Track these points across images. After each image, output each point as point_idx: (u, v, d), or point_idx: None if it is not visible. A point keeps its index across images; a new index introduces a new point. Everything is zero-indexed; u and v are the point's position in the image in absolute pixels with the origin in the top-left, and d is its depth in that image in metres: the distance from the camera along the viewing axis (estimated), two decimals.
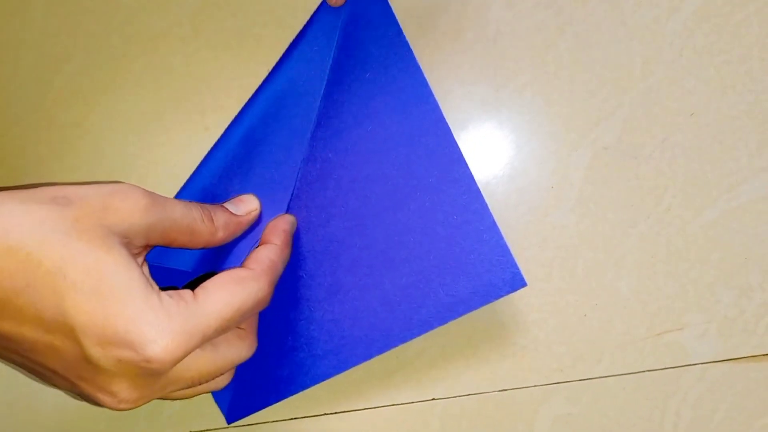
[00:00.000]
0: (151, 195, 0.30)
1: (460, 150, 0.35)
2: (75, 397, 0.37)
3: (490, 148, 0.37)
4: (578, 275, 0.36)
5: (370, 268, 0.35)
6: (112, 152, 0.37)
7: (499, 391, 0.37)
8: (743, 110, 0.36)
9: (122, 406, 0.29)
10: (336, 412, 0.37)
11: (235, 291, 0.30)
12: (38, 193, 0.28)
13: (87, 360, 0.27)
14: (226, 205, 0.34)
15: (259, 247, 0.33)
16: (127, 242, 0.28)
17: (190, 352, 0.28)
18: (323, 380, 0.36)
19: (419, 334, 0.35)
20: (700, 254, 0.36)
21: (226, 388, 0.37)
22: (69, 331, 0.27)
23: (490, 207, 0.36)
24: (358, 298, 0.35)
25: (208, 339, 0.29)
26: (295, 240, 0.36)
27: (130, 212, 0.29)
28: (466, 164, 0.35)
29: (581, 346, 0.36)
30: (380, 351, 0.35)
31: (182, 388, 0.30)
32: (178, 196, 0.37)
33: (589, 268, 0.36)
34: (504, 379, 0.37)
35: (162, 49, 0.37)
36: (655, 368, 0.36)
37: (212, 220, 0.32)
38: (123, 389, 0.28)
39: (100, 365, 0.27)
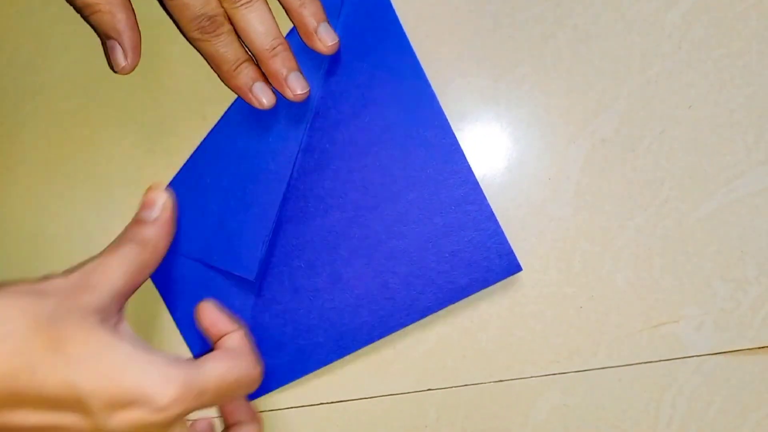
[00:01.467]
0: (88, 269, 0.32)
1: (457, 141, 0.35)
2: None
3: (487, 140, 0.37)
4: (575, 267, 0.36)
5: (369, 257, 0.35)
6: (110, 141, 0.37)
7: (496, 381, 0.37)
8: (741, 103, 0.36)
9: None
10: (332, 402, 0.37)
11: (233, 364, 0.32)
12: (15, 287, 0.29)
13: (95, 427, 0.28)
14: (142, 215, 0.35)
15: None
16: (103, 317, 0.30)
17: (190, 409, 0.29)
18: (323, 366, 0.36)
19: (418, 319, 0.35)
20: (697, 247, 0.36)
21: None
22: (76, 403, 0.27)
23: (487, 197, 0.36)
24: (357, 286, 0.36)
25: (204, 400, 0.30)
26: (294, 230, 0.36)
27: (96, 289, 0.31)
28: (463, 155, 0.35)
29: (578, 338, 0.36)
30: (380, 336, 0.36)
31: None
32: (173, 182, 0.37)
33: (586, 260, 0.36)
34: (500, 370, 0.37)
35: (161, 38, 0.37)
36: (651, 360, 0.36)
37: (145, 241, 0.34)
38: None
39: (107, 427, 0.28)
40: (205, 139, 0.37)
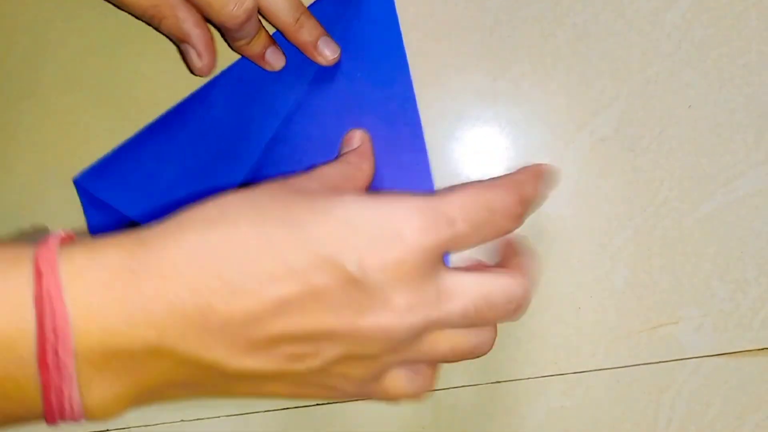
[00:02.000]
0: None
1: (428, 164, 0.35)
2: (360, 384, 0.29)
3: (486, 139, 0.36)
4: (574, 267, 0.36)
5: None
6: (107, 138, 0.37)
7: (493, 383, 0.37)
8: (741, 103, 0.36)
9: (406, 319, 0.25)
10: (328, 403, 0.37)
11: (480, 188, 0.27)
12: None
13: (352, 284, 0.24)
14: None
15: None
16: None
17: (444, 239, 0.25)
18: None
19: None
20: (696, 248, 0.36)
21: None
22: (331, 269, 0.24)
23: None
24: None
25: (458, 230, 0.26)
26: None
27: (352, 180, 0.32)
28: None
29: (576, 339, 0.36)
30: None
31: (420, 358, 0.27)
32: (138, 137, 0.36)
33: (585, 260, 0.36)
34: (498, 371, 0.37)
35: (158, 35, 0.37)
36: (649, 362, 0.36)
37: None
38: (401, 295, 0.25)
39: (367, 282, 0.24)
40: (177, 104, 0.37)
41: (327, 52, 0.35)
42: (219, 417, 0.37)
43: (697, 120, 0.36)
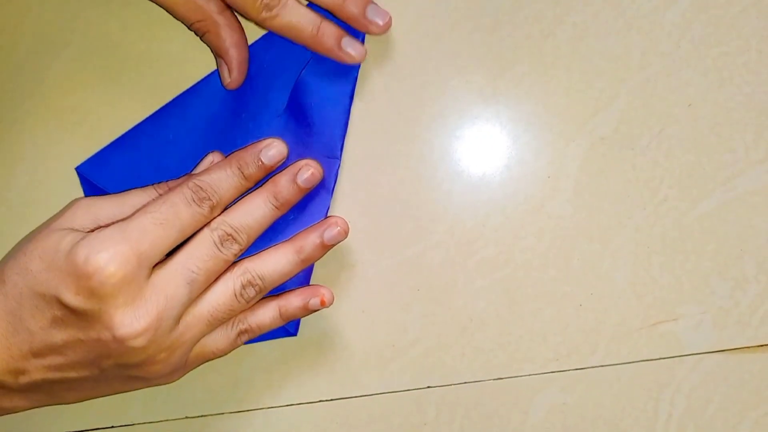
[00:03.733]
0: (98, 198, 0.34)
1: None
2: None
3: (487, 138, 0.37)
4: (574, 265, 0.36)
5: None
6: (109, 138, 0.37)
7: (495, 379, 0.37)
8: (740, 102, 0.36)
9: (138, 339, 0.31)
10: (331, 399, 0.37)
11: (158, 198, 0.33)
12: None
13: (78, 313, 0.30)
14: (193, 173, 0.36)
15: None
16: (72, 229, 0.32)
17: (138, 249, 0.30)
18: None
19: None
20: (696, 245, 0.36)
21: None
22: (53, 301, 0.31)
23: (487, 196, 0.36)
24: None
25: (149, 234, 0.31)
26: None
27: (72, 213, 0.33)
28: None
29: (577, 336, 0.36)
30: None
31: (201, 332, 0.33)
32: (136, 128, 0.37)
33: (585, 258, 0.36)
34: (500, 367, 0.37)
35: (160, 36, 0.37)
36: (649, 358, 0.36)
37: (169, 188, 0.35)
38: (122, 313, 0.30)
39: (86, 309, 0.30)
40: (179, 95, 0.37)
41: (378, 18, 0.35)
42: (223, 413, 0.38)
43: (696, 119, 0.36)
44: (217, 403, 0.38)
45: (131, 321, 0.30)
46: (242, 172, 0.34)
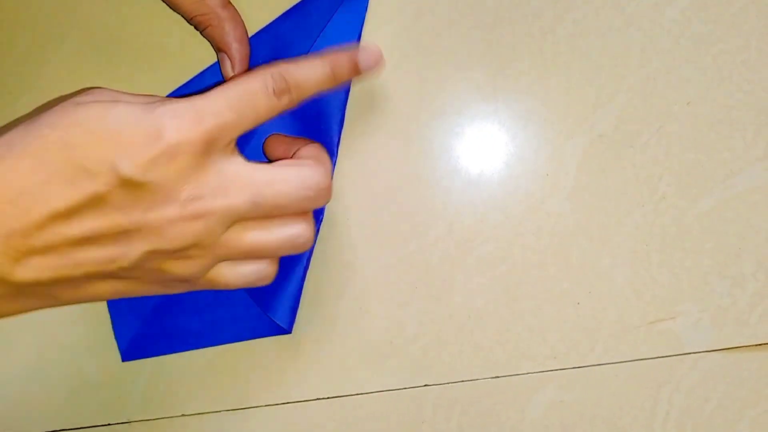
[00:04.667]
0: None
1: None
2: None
3: (485, 135, 0.37)
4: (573, 263, 0.36)
5: None
6: None
7: (493, 377, 0.37)
8: (740, 100, 0.36)
9: (187, 210, 0.27)
10: (328, 397, 0.37)
11: (239, 79, 0.29)
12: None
13: (132, 185, 0.26)
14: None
15: None
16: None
17: (210, 131, 0.27)
18: (229, 342, 0.37)
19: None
20: (695, 244, 0.36)
21: (128, 327, 0.37)
22: (100, 173, 0.26)
23: (486, 194, 0.36)
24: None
25: (225, 119, 0.28)
26: None
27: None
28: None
29: (575, 334, 0.36)
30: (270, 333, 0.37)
31: (234, 253, 0.29)
32: None
33: (584, 256, 0.36)
34: (497, 365, 0.37)
35: (158, 31, 0.37)
36: (648, 357, 0.36)
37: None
38: (180, 188, 0.27)
39: (143, 180, 0.26)
40: (176, 89, 0.37)
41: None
42: (220, 411, 0.38)
43: (696, 116, 0.36)
44: (214, 401, 0.37)
45: (193, 198, 0.27)
46: (334, 73, 0.31)
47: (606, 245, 0.36)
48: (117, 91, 0.30)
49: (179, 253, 0.28)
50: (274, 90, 0.29)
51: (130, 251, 0.27)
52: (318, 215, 0.36)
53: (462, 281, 0.37)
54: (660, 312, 0.36)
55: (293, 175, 0.29)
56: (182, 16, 0.35)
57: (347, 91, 0.36)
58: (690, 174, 0.36)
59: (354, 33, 0.36)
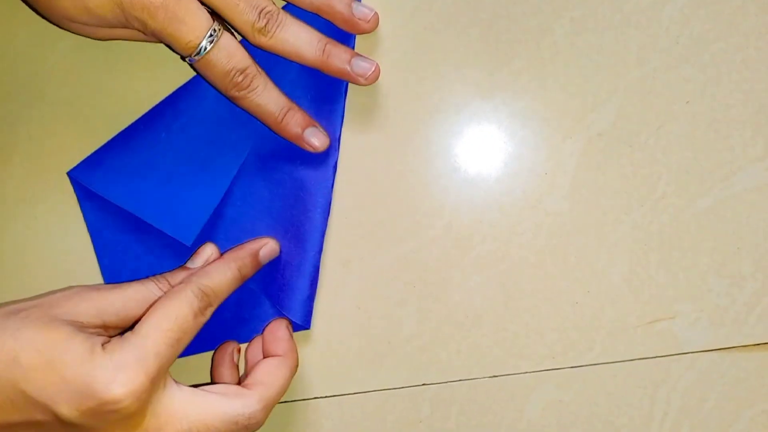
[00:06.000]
0: (97, 286, 0.33)
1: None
2: None
3: (483, 133, 0.36)
4: (571, 262, 0.36)
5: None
6: (105, 131, 0.37)
7: (491, 377, 0.37)
8: (739, 99, 0.36)
9: None
10: (326, 396, 0.37)
11: (166, 304, 0.31)
12: None
13: (67, 424, 0.29)
14: (187, 263, 0.35)
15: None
16: (79, 325, 0.31)
17: (153, 376, 0.29)
18: (245, 342, 0.37)
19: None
20: (693, 243, 0.36)
21: None
22: (41, 406, 0.29)
23: (484, 192, 0.36)
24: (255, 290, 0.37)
25: (163, 358, 0.30)
26: (237, 210, 0.37)
27: (75, 304, 0.31)
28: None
29: (573, 334, 0.36)
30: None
31: None
32: (127, 130, 0.37)
33: (582, 255, 0.36)
34: (495, 365, 0.37)
35: None
36: (646, 356, 0.36)
37: (171, 285, 0.34)
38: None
39: (81, 423, 0.29)
40: (171, 94, 0.36)
41: (362, 70, 0.35)
42: None
43: (694, 115, 0.36)
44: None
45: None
46: (240, 273, 0.34)
47: (604, 244, 0.36)
48: (95, 295, 0.32)
49: None
50: (199, 308, 0.32)
51: None
52: (323, 216, 0.36)
53: (460, 280, 0.37)
54: (658, 311, 0.36)
55: (223, 409, 0.31)
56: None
57: (346, 91, 0.36)
58: (688, 173, 0.36)
59: (349, 37, 0.36)
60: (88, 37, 0.35)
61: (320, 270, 0.37)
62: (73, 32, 0.34)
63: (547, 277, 0.36)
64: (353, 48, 0.36)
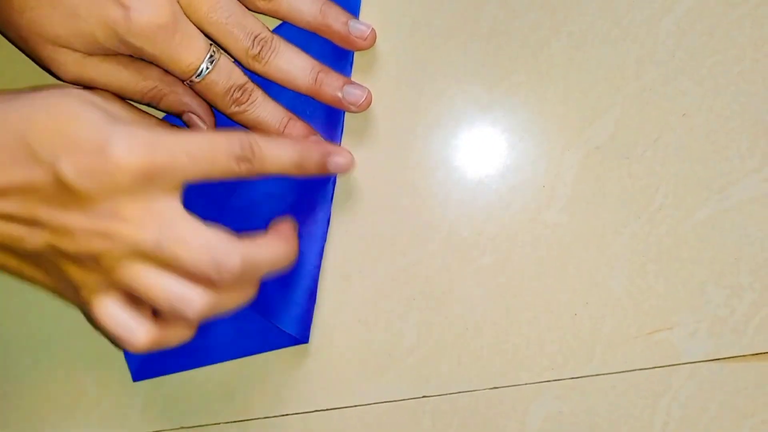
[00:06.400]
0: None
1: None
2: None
3: (483, 146, 0.37)
4: (570, 274, 0.36)
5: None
6: None
7: (491, 388, 0.37)
8: (736, 111, 0.36)
9: (95, 225, 0.28)
10: (327, 409, 0.37)
11: (208, 134, 0.31)
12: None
13: (63, 188, 0.28)
14: None
15: None
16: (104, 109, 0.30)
17: (160, 168, 0.28)
18: (243, 356, 0.37)
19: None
20: (691, 254, 0.36)
21: None
22: (42, 164, 0.28)
23: (483, 205, 0.36)
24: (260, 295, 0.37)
25: (177, 164, 0.29)
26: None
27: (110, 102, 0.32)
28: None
29: (572, 345, 0.36)
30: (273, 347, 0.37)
31: (126, 285, 0.29)
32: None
33: (581, 266, 0.36)
34: (495, 376, 0.37)
35: None
36: (645, 367, 0.36)
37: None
38: (102, 202, 0.28)
39: (77, 187, 0.28)
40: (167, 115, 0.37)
41: (357, 98, 0.35)
42: (219, 424, 0.38)
43: (691, 128, 0.36)
44: (213, 414, 0.38)
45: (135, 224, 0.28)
46: (301, 163, 0.32)
47: (603, 256, 0.36)
48: (121, 104, 0.32)
49: (77, 259, 0.29)
50: (238, 155, 0.30)
51: (34, 238, 0.29)
52: (321, 230, 0.37)
53: (460, 293, 0.37)
54: (657, 322, 0.36)
55: (205, 239, 0.29)
56: (133, 99, 0.35)
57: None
58: (686, 185, 0.36)
59: (347, 53, 0.36)
60: (61, 74, 0.34)
61: (321, 284, 0.37)
62: (47, 66, 0.34)
63: (547, 288, 0.36)
64: (351, 63, 0.36)
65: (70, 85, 0.33)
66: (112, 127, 0.28)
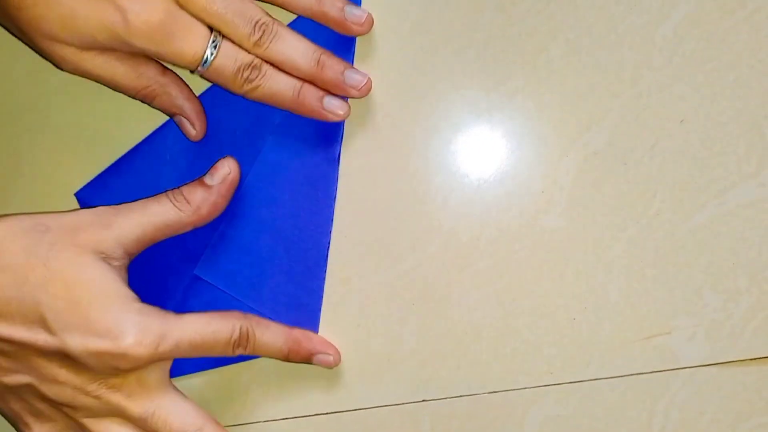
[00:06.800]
0: (115, 209, 0.33)
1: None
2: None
3: (480, 152, 0.37)
4: (568, 279, 0.37)
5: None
6: (109, 154, 0.38)
7: (489, 392, 0.37)
8: (732, 116, 0.36)
9: (98, 390, 0.31)
10: (327, 413, 0.38)
11: (216, 320, 0.33)
12: (19, 221, 0.32)
13: (64, 357, 0.30)
14: (204, 178, 0.35)
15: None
16: (103, 256, 0.32)
17: (163, 356, 0.31)
18: (236, 362, 0.37)
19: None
20: (689, 258, 0.36)
21: None
22: (52, 333, 0.30)
23: (481, 210, 0.36)
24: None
25: (180, 351, 0.31)
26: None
27: (97, 231, 0.32)
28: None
29: (571, 349, 0.37)
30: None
31: None
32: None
33: (579, 271, 0.36)
34: (494, 380, 0.37)
35: None
36: (643, 371, 0.37)
37: (188, 201, 0.34)
38: (101, 375, 0.31)
39: (81, 361, 0.30)
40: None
41: (358, 82, 0.35)
42: None
43: (688, 133, 0.36)
44: (219, 413, 0.38)
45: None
46: (288, 354, 0.36)
47: (601, 261, 0.36)
48: (113, 221, 0.33)
49: (54, 402, 0.32)
50: (235, 341, 0.33)
51: (18, 377, 0.32)
52: (326, 226, 0.37)
53: (459, 297, 0.37)
54: (655, 326, 0.36)
55: (188, 419, 0.33)
56: (126, 94, 0.35)
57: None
58: (683, 190, 0.36)
59: (348, 53, 0.36)
60: (58, 64, 0.34)
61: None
62: (45, 56, 0.34)
63: (545, 293, 0.37)
64: (353, 53, 0.36)
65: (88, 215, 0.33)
66: (125, 315, 0.30)
